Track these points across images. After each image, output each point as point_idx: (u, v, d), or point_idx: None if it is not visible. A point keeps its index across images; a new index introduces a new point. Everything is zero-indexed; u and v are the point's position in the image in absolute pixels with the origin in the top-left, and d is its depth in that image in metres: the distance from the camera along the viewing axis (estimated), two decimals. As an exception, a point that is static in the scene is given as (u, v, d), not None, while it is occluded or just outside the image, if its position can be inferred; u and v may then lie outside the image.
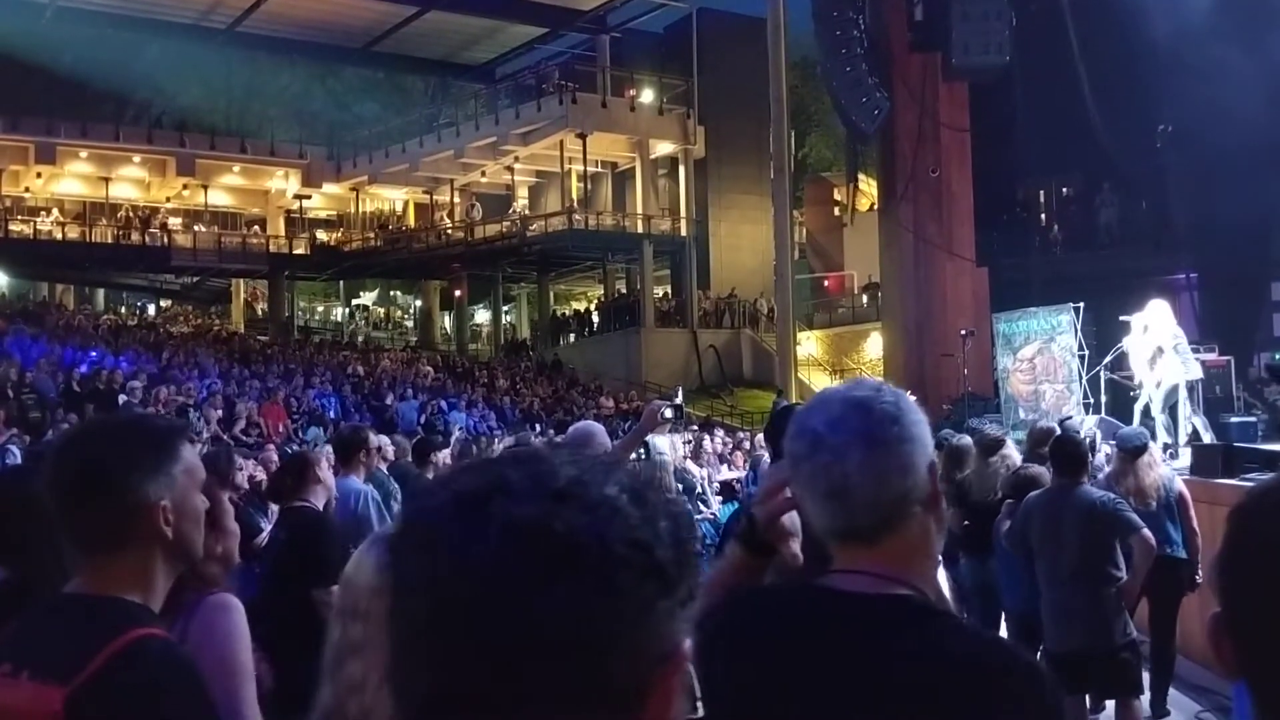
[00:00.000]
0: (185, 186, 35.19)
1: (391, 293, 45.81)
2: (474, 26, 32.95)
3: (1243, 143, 15.56)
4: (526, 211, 35.11)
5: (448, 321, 40.79)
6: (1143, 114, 17.90)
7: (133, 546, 1.64)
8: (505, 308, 40.01)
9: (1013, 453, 6.88)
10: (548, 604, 0.71)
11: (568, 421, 17.76)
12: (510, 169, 34.30)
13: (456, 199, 35.34)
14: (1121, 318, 11.31)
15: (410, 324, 43.64)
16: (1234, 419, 11.46)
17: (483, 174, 34.71)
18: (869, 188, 33.27)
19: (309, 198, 36.97)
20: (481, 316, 41.54)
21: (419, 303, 41.49)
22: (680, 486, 9.64)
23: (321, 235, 37.64)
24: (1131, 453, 6.25)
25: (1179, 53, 16.18)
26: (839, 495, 1.37)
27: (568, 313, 37.33)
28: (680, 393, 7.24)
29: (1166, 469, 6.72)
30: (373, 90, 38.92)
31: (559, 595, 0.71)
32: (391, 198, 38.43)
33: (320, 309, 45.53)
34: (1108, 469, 6.86)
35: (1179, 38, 15.96)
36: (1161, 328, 10.40)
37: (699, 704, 1.40)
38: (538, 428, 18.82)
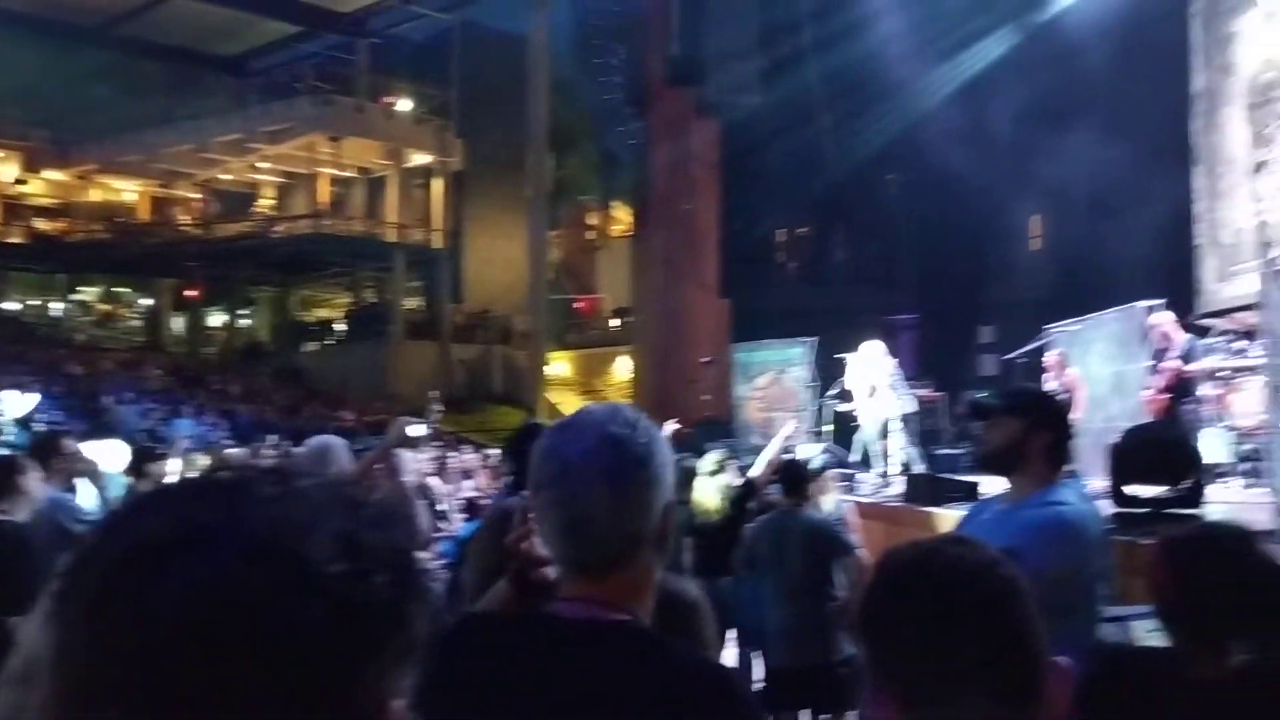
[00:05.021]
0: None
1: (119, 290, 42.75)
2: (225, 17, 31.43)
3: (958, 197, 17.05)
4: (273, 212, 33.75)
5: (180, 323, 38.51)
6: (876, 162, 19.18)
7: None
8: (244, 311, 38.18)
9: (730, 476, 7.16)
10: (226, 681, 0.62)
11: (306, 433, 17.11)
12: (256, 167, 32.89)
13: (196, 194, 33.53)
14: (836, 355, 12.09)
15: (139, 323, 40.90)
16: (943, 451, 12.43)
17: (225, 170, 33.11)
18: (623, 214, 33.99)
19: (27, 183, 34.06)
20: (218, 319, 39.45)
21: (150, 301, 38.93)
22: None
23: (42, 224, 34.71)
24: (813, 473, 6.64)
25: (907, 108, 17.56)
26: (576, 527, 1.39)
27: (312, 320, 36.05)
28: (435, 408, 7.12)
29: (835, 493, 7.08)
30: (109, 74, 36.26)
31: (239, 674, 0.62)
32: (124, 189, 35.96)
33: (38, 304, 41.90)
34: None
35: (907, 94, 17.35)
36: (877, 365, 11.18)
37: None
38: (273, 439, 18.05)
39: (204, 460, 13.33)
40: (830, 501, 6.54)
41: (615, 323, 33.56)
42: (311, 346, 33.85)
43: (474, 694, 1.39)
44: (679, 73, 21.25)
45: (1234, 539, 2.07)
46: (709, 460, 7.06)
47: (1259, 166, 11.32)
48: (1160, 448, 6.03)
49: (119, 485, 6.63)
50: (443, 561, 5.03)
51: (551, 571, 1.53)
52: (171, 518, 0.66)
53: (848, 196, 20.41)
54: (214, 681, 0.61)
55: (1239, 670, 1.92)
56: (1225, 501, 7.72)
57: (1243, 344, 10.61)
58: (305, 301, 37.81)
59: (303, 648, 0.62)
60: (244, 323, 38.26)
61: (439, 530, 6.56)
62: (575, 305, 36.72)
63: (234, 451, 14.53)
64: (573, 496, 1.38)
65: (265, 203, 34.60)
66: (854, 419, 11.79)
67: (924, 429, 12.49)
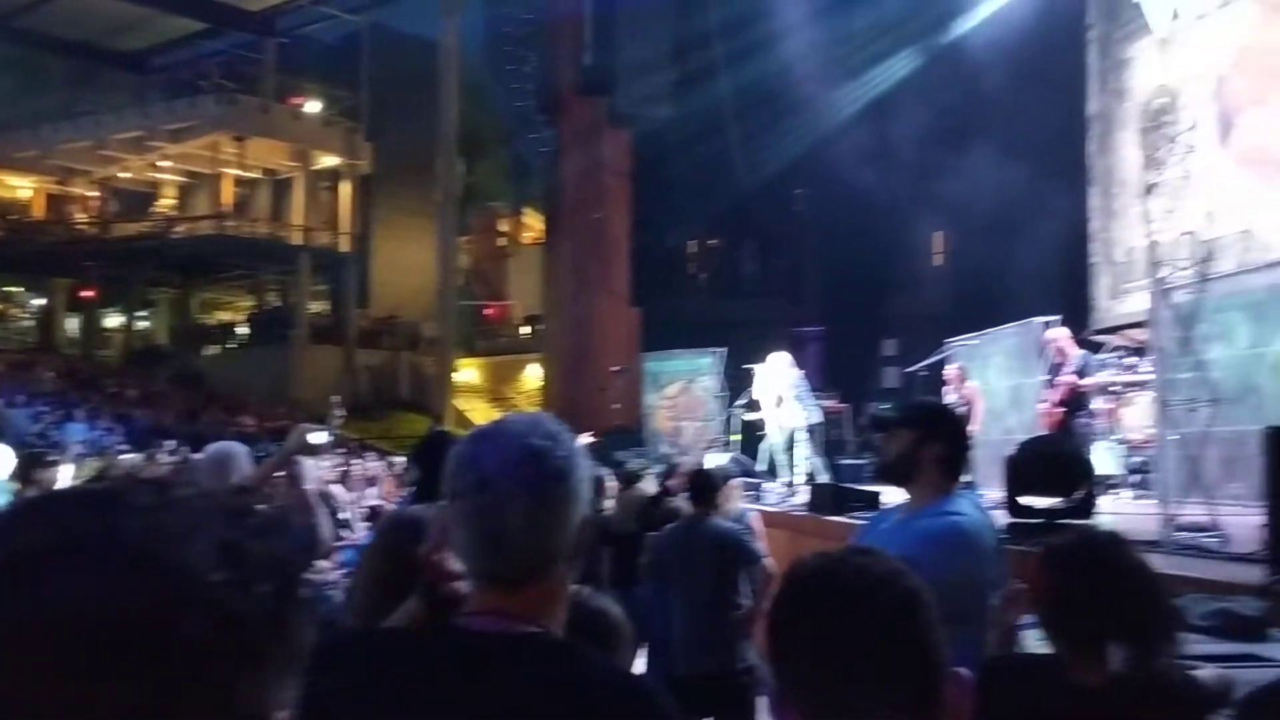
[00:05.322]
0: None
1: (11, 289, 41.17)
2: (128, 12, 30.51)
3: (864, 213, 17.41)
4: (174, 212, 32.90)
5: (75, 324, 37.25)
6: (785, 176, 19.47)
7: None
8: (143, 313, 37.11)
9: (648, 485, 7.20)
10: (103, 692, 0.60)
11: (205, 439, 16.70)
12: (157, 166, 32.04)
13: (93, 192, 32.52)
14: (745, 366, 12.23)
15: (31, 324, 39.43)
16: (847, 461, 12.65)
17: (125, 168, 32.20)
18: (534, 221, 33.91)
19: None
20: (115, 321, 38.25)
21: (43, 301, 37.57)
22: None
23: (-74, 219, 33.35)
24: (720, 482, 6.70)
25: (815, 124, 17.89)
26: (493, 540, 1.37)
27: (213, 323, 35.21)
28: (337, 414, 6.98)
29: (742, 502, 7.13)
30: (6, 68, 34.96)
31: (116, 685, 0.60)
32: (19, 185, 34.68)
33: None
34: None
35: (815, 111, 17.69)
36: (784, 376, 11.33)
37: None
38: (170, 445, 17.56)
39: (97, 466, 12.92)
40: (736, 509, 6.60)
41: (525, 330, 33.43)
42: (212, 350, 33.07)
43: (382, 709, 1.36)
44: (591, 82, 21.31)
45: (1109, 546, 2.14)
46: (628, 468, 7.09)
47: (1150, 188, 11.74)
48: (1054, 460, 6.21)
49: (5, 492, 6.38)
50: (345, 571, 4.95)
51: (464, 585, 1.51)
52: (48, 527, 0.65)
53: (757, 209, 20.67)
54: (91, 693, 0.60)
55: (1119, 676, 1.98)
56: (1116, 512, 7.99)
57: (1134, 360, 11.02)
58: (206, 304, 36.91)
59: (181, 657, 0.62)
60: (142, 325, 37.17)
61: (341, 539, 6.45)
62: (485, 312, 36.48)
63: (129, 457, 14.10)
64: (491, 508, 1.36)
65: (166, 202, 33.72)
66: (761, 429, 11.93)
67: (828, 439, 12.69)
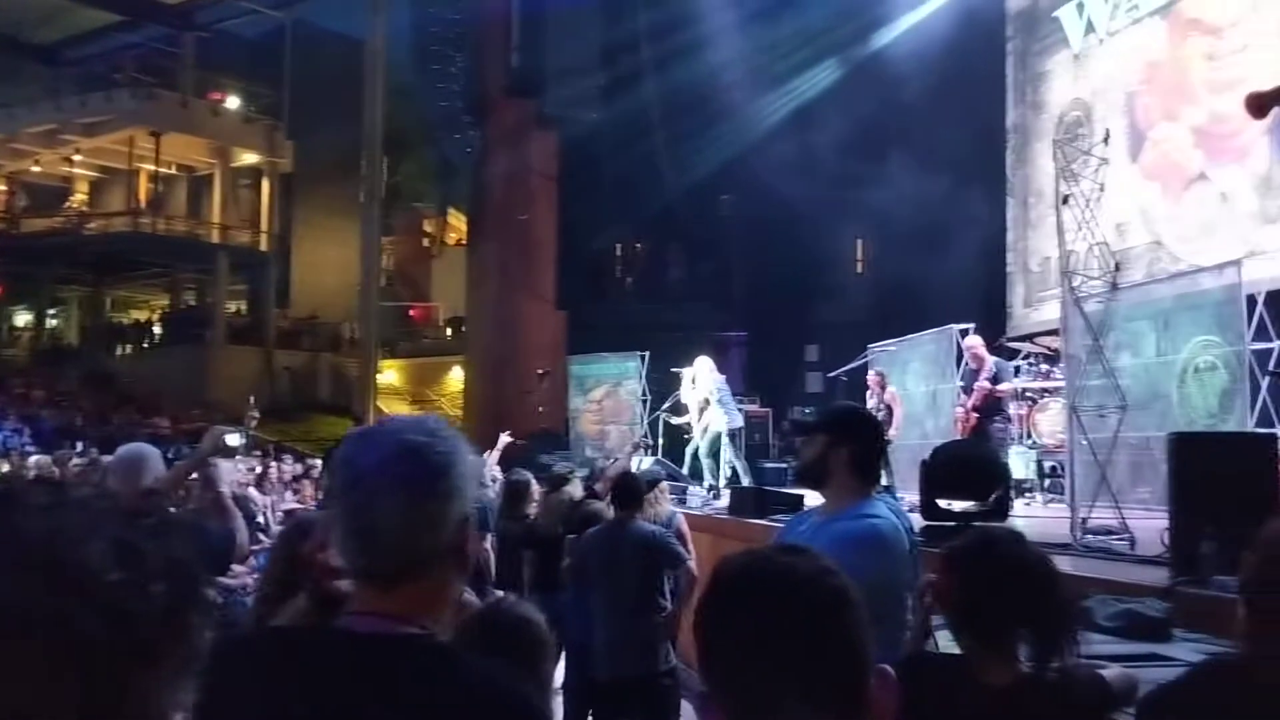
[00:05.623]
0: None
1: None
2: (42, 4, 29.63)
3: (788, 220, 17.60)
4: (86, 208, 32.04)
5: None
6: (710, 182, 19.59)
7: None
8: (52, 311, 36.05)
9: (575, 489, 7.19)
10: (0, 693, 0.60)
11: (117, 441, 16.29)
12: (70, 161, 31.18)
13: (3, 187, 31.54)
14: (670, 369, 12.28)
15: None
16: (770, 464, 12.77)
17: (36, 162, 31.27)
18: (459, 222, 33.67)
19: None
20: (23, 319, 37.08)
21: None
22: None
23: None
24: (645, 485, 6.73)
25: (740, 131, 18.05)
26: (365, 536, 1.36)
27: (127, 322, 34.33)
28: (253, 415, 6.86)
29: (670, 505, 7.19)
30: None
31: (11, 683, 0.60)
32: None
33: None
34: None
35: (741, 118, 17.85)
36: (707, 380, 11.41)
37: None
38: (79, 446, 17.11)
39: (3, 468, 12.53)
40: (665, 512, 6.62)
41: (449, 332, 33.17)
42: (125, 350, 32.24)
43: (256, 711, 1.33)
44: (518, 84, 21.26)
45: (1007, 543, 2.18)
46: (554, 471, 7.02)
47: (1064, 199, 12.03)
48: (969, 464, 6.34)
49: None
50: (260, 575, 4.86)
51: (346, 583, 1.49)
52: None
53: (683, 214, 20.76)
54: None
55: (1026, 676, 2.03)
56: (1029, 515, 8.19)
57: (1047, 367, 11.29)
58: (120, 302, 35.99)
59: (77, 656, 0.61)
60: (52, 323, 36.10)
61: (258, 543, 6.34)
62: (408, 313, 36.13)
63: (38, 459, 13.68)
64: (364, 505, 1.36)
65: (79, 198, 32.83)
66: (685, 432, 11.99)
67: (751, 443, 12.79)
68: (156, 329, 32.26)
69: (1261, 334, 7.21)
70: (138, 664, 0.64)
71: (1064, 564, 4.97)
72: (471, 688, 1.34)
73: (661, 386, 13.85)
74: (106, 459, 7.18)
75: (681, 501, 9.97)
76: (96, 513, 0.68)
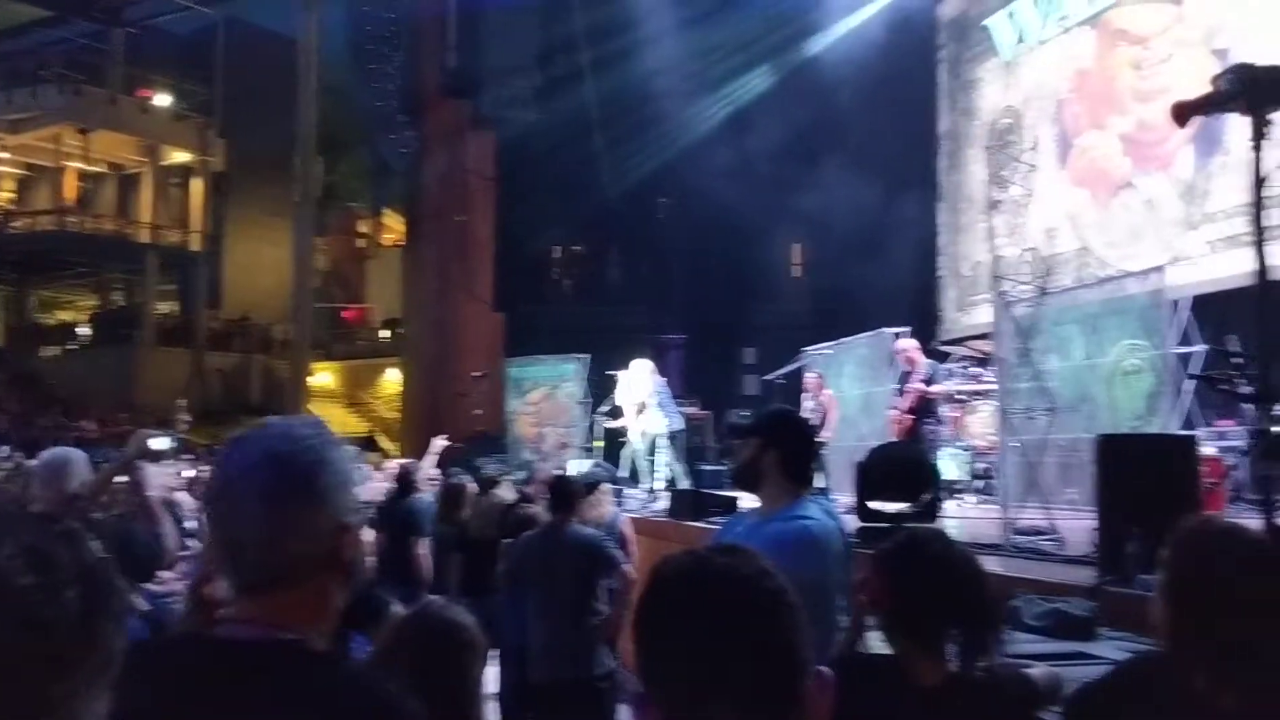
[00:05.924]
0: None
1: None
2: (-36, -3, 28.99)
3: (725, 223, 17.71)
4: (11, 206, 31.24)
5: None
6: (648, 185, 19.64)
7: None
8: (-27, 311, 35.12)
9: (506, 492, 7.16)
10: None
11: (42, 444, 15.89)
12: (-8, 157, 30.44)
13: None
14: (608, 372, 12.30)
15: None
16: (708, 467, 12.81)
17: (-43, 159, 30.46)
18: (395, 222, 33.35)
19: None
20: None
21: None
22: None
23: None
24: (584, 488, 6.73)
25: (677, 134, 18.14)
26: (231, 547, 1.34)
27: (53, 323, 33.53)
28: (182, 418, 6.75)
29: (612, 507, 7.17)
30: None
31: None
32: None
33: None
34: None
35: (678, 122, 17.95)
36: (645, 382, 11.43)
37: None
38: (3, 449, 16.66)
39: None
40: (609, 514, 6.61)
41: (385, 334, 32.84)
42: (51, 351, 31.50)
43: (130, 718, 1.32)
44: (455, 84, 21.11)
45: (934, 543, 2.21)
46: (485, 474, 7.00)
47: (994, 205, 12.28)
48: (902, 465, 6.42)
49: None
50: (189, 581, 4.77)
51: (222, 589, 1.47)
52: None
53: (621, 217, 20.80)
54: None
55: (955, 676, 2.06)
56: (960, 516, 8.31)
57: (978, 370, 11.48)
58: (45, 303, 35.15)
59: None
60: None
61: (187, 548, 6.22)
62: (343, 314, 35.71)
63: (-44, 464, 13.29)
64: (228, 515, 1.34)
65: (3, 195, 32.00)
66: (623, 435, 11.99)
67: (689, 446, 12.83)
68: (84, 330, 31.55)
69: (1186, 338, 7.39)
70: (51, 672, 0.63)
71: (993, 564, 5.07)
72: (345, 693, 1.32)
73: (600, 389, 13.84)
74: (31, 463, 7.00)
75: (619, 504, 9.96)
76: (7, 518, 0.67)
